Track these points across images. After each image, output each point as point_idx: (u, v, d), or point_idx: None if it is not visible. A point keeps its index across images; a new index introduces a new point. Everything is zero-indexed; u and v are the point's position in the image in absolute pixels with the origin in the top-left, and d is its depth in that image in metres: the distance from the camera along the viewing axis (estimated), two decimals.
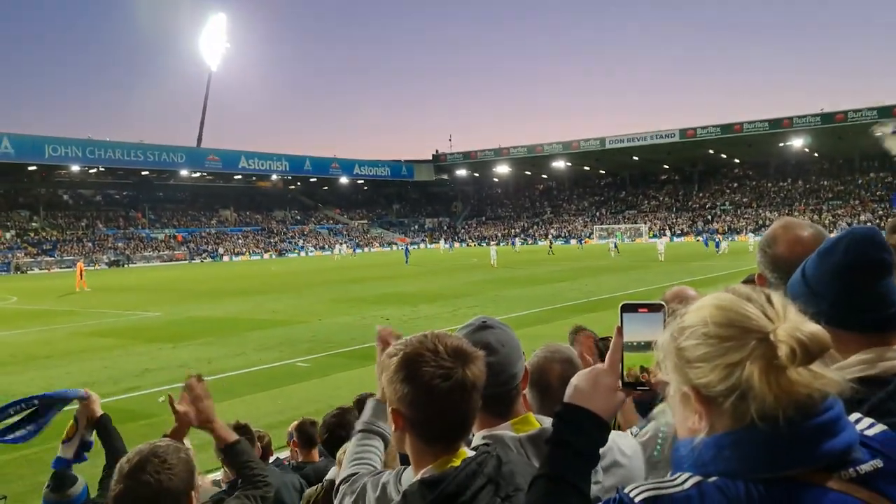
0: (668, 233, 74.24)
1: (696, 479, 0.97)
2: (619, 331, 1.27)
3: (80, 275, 35.01)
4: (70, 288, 34.58)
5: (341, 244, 70.81)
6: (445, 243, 76.39)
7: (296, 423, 5.34)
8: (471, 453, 1.45)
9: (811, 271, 1.49)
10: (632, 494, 1.00)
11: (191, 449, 2.27)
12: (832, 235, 1.62)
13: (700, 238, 64.53)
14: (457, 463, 1.41)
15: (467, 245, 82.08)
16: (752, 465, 0.94)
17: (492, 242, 63.29)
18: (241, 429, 4.20)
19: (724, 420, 0.97)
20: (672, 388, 1.05)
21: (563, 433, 1.24)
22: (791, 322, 0.96)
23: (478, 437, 1.63)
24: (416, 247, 78.20)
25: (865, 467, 0.97)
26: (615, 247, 52.74)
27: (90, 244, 67.07)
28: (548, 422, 1.67)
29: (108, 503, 2.00)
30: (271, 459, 5.27)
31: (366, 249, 78.86)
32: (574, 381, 1.31)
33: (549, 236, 73.66)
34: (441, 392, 1.37)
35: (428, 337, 1.44)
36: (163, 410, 10.42)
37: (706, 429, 0.98)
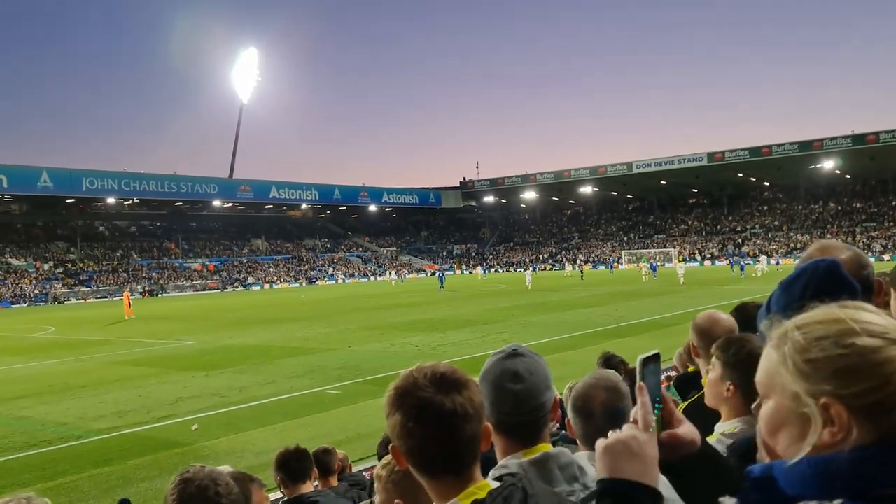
0: (698, 256, 73.32)
1: None
2: (642, 389, 1.20)
3: (128, 304, 36.54)
4: (116, 317, 35.60)
5: (391, 271, 74.12)
6: (481, 269, 76.69)
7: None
8: (495, 485, 1.42)
9: (776, 306, 1.50)
10: None
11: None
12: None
13: (730, 261, 63.62)
14: (481, 495, 1.38)
15: (498, 271, 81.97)
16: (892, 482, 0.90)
17: (527, 268, 63.94)
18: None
19: (864, 432, 0.92)
20: (776, 404, 0.99)
21: None
22: None
23: (496, 467, 1.61)
24: (451, 272, 78.63)
25: None
26: (653, 269, 51.69)
27: (125, 274, 68.34)
28: (577, 450, 1.66)
29: None
30: (311, 487, 5.29)
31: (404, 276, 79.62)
32: (615, 450, 1.17)
33: (579, 261, 73.22)
34: (421, 422, 1.34)
35: (412, 369, 1.42)
36: (196, 439, 10.51)
37: (844, 442, 0.92)
